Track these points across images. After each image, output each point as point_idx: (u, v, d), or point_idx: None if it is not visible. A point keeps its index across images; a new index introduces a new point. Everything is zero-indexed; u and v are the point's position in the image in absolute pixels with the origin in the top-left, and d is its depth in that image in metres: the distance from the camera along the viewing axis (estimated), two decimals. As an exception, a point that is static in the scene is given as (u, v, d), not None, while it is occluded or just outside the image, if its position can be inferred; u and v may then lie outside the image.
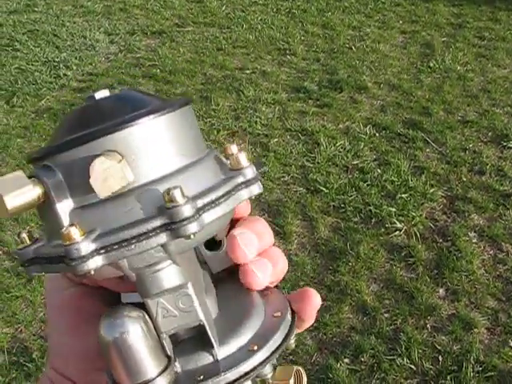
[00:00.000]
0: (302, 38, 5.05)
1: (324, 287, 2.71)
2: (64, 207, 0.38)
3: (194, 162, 0.40)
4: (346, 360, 2.41)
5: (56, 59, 5.02)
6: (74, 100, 4.39)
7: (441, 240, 2.94)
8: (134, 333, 0.38)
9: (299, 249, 2.94)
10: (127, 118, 0.38)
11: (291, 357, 2.43)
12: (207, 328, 0.41)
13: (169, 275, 0.39)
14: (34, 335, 2.61)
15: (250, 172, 0.42)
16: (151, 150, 0.38)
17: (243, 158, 0.42)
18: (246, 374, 0.40)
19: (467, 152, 3.53)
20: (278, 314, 0.45)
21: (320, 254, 2.90)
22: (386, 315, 2.58)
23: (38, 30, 5.60)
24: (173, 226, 0.36)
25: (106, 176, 0.36)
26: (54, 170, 0.38)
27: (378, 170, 3.41)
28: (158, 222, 0.36)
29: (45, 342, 2.55)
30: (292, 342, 0.46)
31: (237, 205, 0.41)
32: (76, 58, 5.03)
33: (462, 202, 3.15)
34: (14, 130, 4.08)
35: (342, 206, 3.16)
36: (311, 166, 3.49)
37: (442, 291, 2.69)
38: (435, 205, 3.16)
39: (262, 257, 0.46)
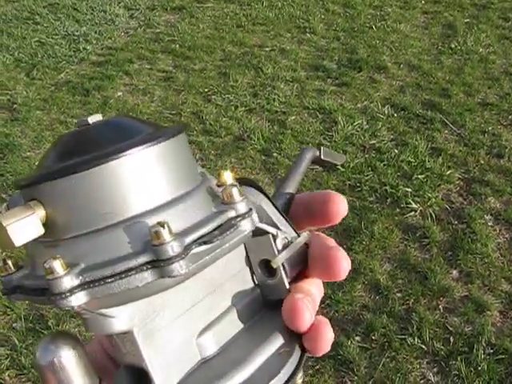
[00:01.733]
0: (323, 16, 5.01)
1: (337, 265, 2.71)
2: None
3: (184, 194, 0.39)
4: (357, 338, 2.42)
5: (76, 33, 5.02)
6: (93, 74, 4.40)
7: (456, 222, 2.93)
8: (66, 357, 0.38)
9: (314, 227, 2.94)
10: (115, 149, 0.37)
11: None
12: (151, 376, 0.40)
13: (109, 321, 0.38)
14: (49, 304, 2.65)
15: (242, 207, 0.40)
16: (140, 181, 0.37)
17: (236, 192, 0.40)
18: None
19: (486, 135, 3.50)
20: (285, 349, 0.44)
21: (334, 232, 2.90)
22: (398, 295, 2.59)
23: (58, 4, 5.60)
24: (160, 263, 0.35)
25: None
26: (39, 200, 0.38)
27: (395, 151, 3.40)
28: (143, 259, 0.35)
29: (60, 310, 2.58)
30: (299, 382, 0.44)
31: (228, 242, 0.39)
32: (95, 32, 5.03)
33: (478, 185, 3.13)
34: (34, 102, 4.11)
35: (358, 185, 3.15)
36: (328, 144, 3.48)
37: (455, 273, 2.68)
38: (452, 187, 3.15)
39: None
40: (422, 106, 3.77)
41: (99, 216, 0.37)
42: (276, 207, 0.47)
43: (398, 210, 2.99)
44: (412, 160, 3.28)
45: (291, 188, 0.52)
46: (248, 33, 4.84)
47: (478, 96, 3.86)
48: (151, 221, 0.36)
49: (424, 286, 2.61)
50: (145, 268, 0.35)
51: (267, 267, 0.46)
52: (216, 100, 3.97)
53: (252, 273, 0.47)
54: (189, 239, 0.36)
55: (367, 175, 3.21)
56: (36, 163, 3.51)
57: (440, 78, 4.06)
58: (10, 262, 0.40)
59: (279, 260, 0.45)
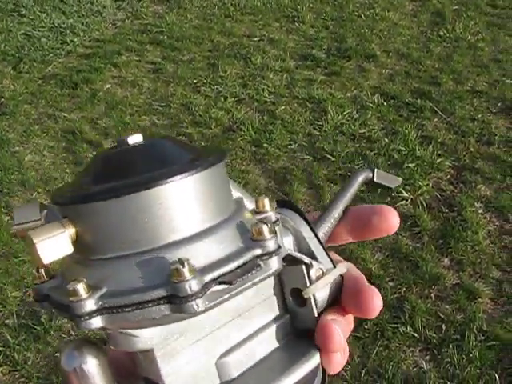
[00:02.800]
0: (311, 5, 4.99)
1: (329, 255, 2.72)
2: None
3: (212, 227, 0.39)
4: (350, 327, 2.43)
5: (62, 25, 4.98)
6: (81, 66, 4.37)
7: (447, 210, 2.94)
8: (90, 365, 0.39)
9: (305, 217, 2.94)
10: (152, 177, 0.37)
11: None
12: None
13: (131, 339, 0.39)
14: (41, 299, 2.64)
15: (271, 244, 0.38)
16: (172, 212, 0.37)
17: (265, 229, 0.38)
18: None
19: (476, 122, 3.50)
20: (305, 383, 0.44)
21: (326, 222, 2.90)
22: (390, 284, 2.60)
23: (44, -5, 5.55)
24: (176, 300, 0.35)
25: (30, 249, 0.37)
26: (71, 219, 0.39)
27: (386, 139, 3.40)
28: (161, 293, 0.35)
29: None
30: None
31: (251, 281, 0.39)
32: (83, 24, 5.00)
33: (469, 173, 3.14)
34: (21, 96, 4.08)
35: (349, 174, 3.16)
36: (318, 134, 3.48)
37: (446, 261, 2.69)
38: (442, 175, 3.15)
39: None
40: (411, 95, 3.77)
41: (127, 242, 0.37)
42: (315, 234, 0.46)
43: (388, 198, 3.00)
44: (402, 148, 3.29)
45: (337, 212, 0.51)
46: (236, 23, 4.82)
47: (467, 83, 3.86)
48: (174, 255, 0.36)
49: (415, 274, 2.62)
50: (162, 302, 0.35)
51: (298, 296, 0.46)
52: (205, 91, 3.95)
53: (283, 299, 0.47)
54: (208, 278, 0.36)
55: (358, 164, 3.21)
56: (25, 158, 3.49)
57: (429, 65, 4.06)
58: (42, 271, 0.41)
59: (310, 291, 0.45)
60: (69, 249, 0.37)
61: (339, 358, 0.46)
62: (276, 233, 0.39)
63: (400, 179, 0.57)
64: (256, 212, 0.42)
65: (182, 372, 0.41)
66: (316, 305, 0.45)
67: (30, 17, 5.16)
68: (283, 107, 3.73)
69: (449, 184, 3.10)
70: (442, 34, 4.42)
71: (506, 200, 2.95)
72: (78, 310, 0.35)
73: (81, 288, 0.35)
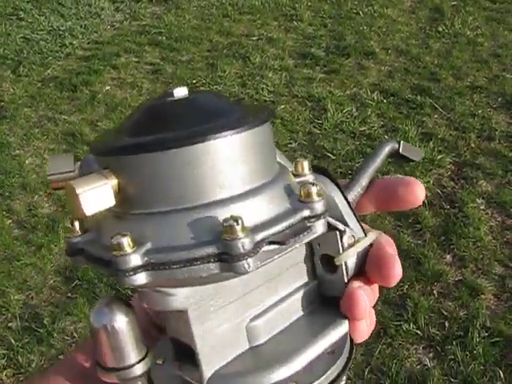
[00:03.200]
0: (309, 3, 4.98)
1: (331, 254, 2.72)
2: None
3: (261, 186, 0.38)
4: (353, 325, 2.43)
5: (61, 28, 4.98)
6: (81, 69, 4.37)
7: (448, 206, 2.94)
8: (120, 323, 0.40)
9: (306, 216, 2.94)
10: (202, 131, 0.36)
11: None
12: (198, 357, 0.40)
13: (168, 298, 0.39)
14: (44, 302, 2.64)
15: (319, 207, 0.38)
16: (221, 168, 0.36)
17: (314, 191, 0.38)
18: None
19: (476, 118, 3.50)
20: (333, 351, 0.44)
21: (327, 221, 2.90)
22: (392, 281, 2.59)
23: (42, -2, 5.55)
24: (227, 258, 0.34)
25: (71, 199, 0.35)
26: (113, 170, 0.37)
27: (386, 137, 3.39)
28: (212, 250, 0.34)
29: (55, 309, 2.58)
30: None
31: (299, 243, 0.38)
32: (81, 27, 4.99)
33: (470, 169, 3.14)
34: (21, 99, 4.08)
35: (349, 172, 3.15)
36: (318, 132, 3.47)
37: (448, 257, 2.69)
38: (443, 171, 3.15)
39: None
40: (411, 91, 3.77)
41: (173, 198, 0.36)
42: (347, 200, 0.46)
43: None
44: (403, 146, 3.28)
45: (364, 180, 0.51)
46: (234, 22, 4.82)
47: (466, 79, 3.85)
48: (224, 212, 0.35)
49: (418, 271, 2.62)
50: (212, 260, 0.34)
51: (329, 263, 0.46)
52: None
53: (311, 265, 0.46)
54: (260, 237, 0.35)
55: (358, 162, 3.20)
56: (26, 161, 3.49)
57: (428, 62, 4.05)
58: (76, 224, 0.40)
59: (343, 258, 0.45)
60: (111, 201, 0.36)
61: (365, 326, 0.46)
62: (323, 195, 0.39)
63: (422, 153, 0.57)
64: (294, 175, 0.42)
65: (212, 334, 0.41)
66: (346, 272, 0.45)
67: (29, 20, 5.16)
68: (283, 106, 3.72)
69: (450, 180, 3.10)
70: (440, 29, 4.41)
71: (508, 195, 2.95)
72: (123, 264, 0.34)
73: (125, 242, 0.34)
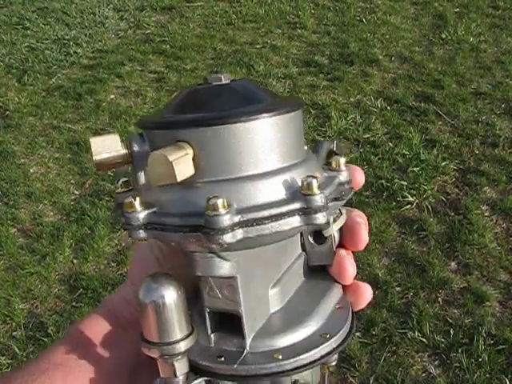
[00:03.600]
0: (312, 11, 4.99)
1: (335, 261, 2.71)
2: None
3: (307, 158, 0.44)
4: (358, 333, 2.42)
5: (66, 37, 5.01)
6: (85, 78, 4.38)
7: (453, 213, 2.93)
8: (168, 299, 0.41)
9: (310, 223, 2.94)
10: (273, 107, 0.41)
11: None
12: (244, 321, 0.43)
13: (221, 264, 0.42)
14: (49, 310, 2.64)
15: (346, 175, 0.47)
16: (285, 141, 0.42)
17: (343, 161, 0.47)
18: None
19: (480, 124, 3.50)
20: (341, 306, 0.50)
21: (331, 228, 2.89)
22: (397, 289, 2.59)
23: (47, 8, 5.58)
24: (309, 211, 0.39)
25: (159, 168, 0.38)
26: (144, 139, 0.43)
27: (390, 144, 3.39)
28: (295, 206, 0.39)
29: (60, 317, 2.59)
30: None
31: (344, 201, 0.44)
32: (86, 35, 5.02)
33: (474, 175, 3.13)
34: (26, 108, 4.10)
35: (354, 180, 3.14)
36: (322, 139, 3.47)
37: (453, 264, 2.68)
38: (447, 178, 3.14)
39: None
40: (414, 98, 3.77)
41: (248, 163, 0.40)
42: None
43: (394, 203, 2.99)
44: (407, 153, 3.28)
45: None
46: (238, 30, 4.83)
47: (470, 86, 3.85)
48: (299, 173, 0.41)
49: (423, 278, 2.61)
50: (296, 213, 0.39)
51: (318, 236, 0.51)
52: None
53: (301, 238, 0.52)
54: (327, 193, 0.41)
55: (363, 169, 3.20)
56: (31, 170, 3.50)
57: (432, 69, 4.05)
58: (137, 201, 0.41)
59: (331, 230, 0.50)
60: (192, 169, 0.39)
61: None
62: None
63: (347, 149, 0.62)
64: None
65: (253, 301, 0.45)
66: (334, 242, 0.51)
67: (34, 29, 5.19)
68: (287, 114, 3.72)
69: (454, 187, 3.09)
70: (444, 36, 4.41)
71: (512, 202, 2.94)
72: (219, 223, 0.37)
73: (220, 203, 0.37)
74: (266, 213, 0.38)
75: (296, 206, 0.39)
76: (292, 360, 0.43)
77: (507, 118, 3.52)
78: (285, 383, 0.45)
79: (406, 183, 3.08)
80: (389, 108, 3.70)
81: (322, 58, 4.29)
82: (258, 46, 4.55)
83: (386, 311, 2.48)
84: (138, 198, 0.41)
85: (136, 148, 0.43)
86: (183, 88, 0.47)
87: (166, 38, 4.79)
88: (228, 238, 0.37)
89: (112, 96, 4.17)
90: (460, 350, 2.31)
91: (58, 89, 4.30)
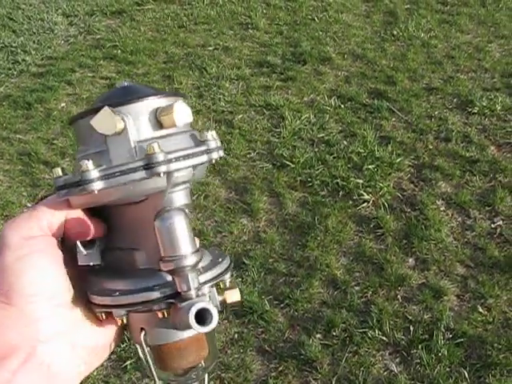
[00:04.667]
0: (264, 11, 4.97)
1: (293, 263, 2.70)
2: None
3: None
4: (318, 335, 2.41)
5: (13, 44, 4.88)
6: (35, 86, 4.28)
7: (409, 209, 2.94)
8: (180, 219, 0.49)
9: (267, 225, 2.92)
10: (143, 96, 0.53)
11: (263, 335, 2.42)
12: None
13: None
14: None
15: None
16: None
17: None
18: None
19: (433, 119, 3.53)
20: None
21: (288, 229, 2.88)
22: (356, 288, 2.58)
23: (-8, 15, 5.44)
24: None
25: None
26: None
27: (344, 142, 3.39)
28: (139, 163, 0.49)
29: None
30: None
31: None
32: (34, 42, 4.90)
33: (428, 170, 3.15)
34: (-27, 119, 3.98)
35: (309, 180, 3.14)
36: (277, 140, 3.45)
37: (411, 261, 2.69)
38: (402, 174, 3.16)
39: None
40: (368, 95, 3.78)
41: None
42: None
43: (350, 202, 2.99)
44: (361, 150, 3.28)
45: None
46: (190, 33, 4.78)
47: (422, 81, 3.88)
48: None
49: (381, 276, 2.61)
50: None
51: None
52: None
53: None
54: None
55: (318, 169, 3.19)
56: (-21, 183, 3.40)
57: (384, 65, 4.08)
58: (90, 163, 0.50)
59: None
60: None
61: None
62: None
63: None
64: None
65: None
66: None
67: (-20, 37, 5.05)
68: (240, 116, 3.70)
69: (410, 183, 3.11)
70: (395, 33, 4.44)
71: (466, 195, 2.97)
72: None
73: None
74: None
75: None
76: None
77: (459, 113, 3.56)
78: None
79: (361, 181, 3.08)
80: (343, 106, 3.70)
81: (274, 58, 4.27)
82: (210, 48, 4.51)
83: (345, 311, 2.48)
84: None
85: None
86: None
87: (117, 43, 4.71)
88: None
89: (63, 104, 4.08)
90: (420, 346, 2.32)
91: (7, 98, 4.18)
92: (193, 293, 0.49)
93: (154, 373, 0.53)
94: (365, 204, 2.97)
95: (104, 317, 0.52)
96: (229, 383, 2.28)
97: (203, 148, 0.53)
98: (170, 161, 0.50)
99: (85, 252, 0.55)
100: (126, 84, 0.56)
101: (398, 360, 2.32)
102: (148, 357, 0.53)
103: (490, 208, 2.92)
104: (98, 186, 0.49)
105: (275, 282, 2.63)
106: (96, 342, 0.53)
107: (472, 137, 3.34)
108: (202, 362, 0.56)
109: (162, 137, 0.52)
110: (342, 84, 3.92)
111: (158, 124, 0.52)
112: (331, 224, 2.85)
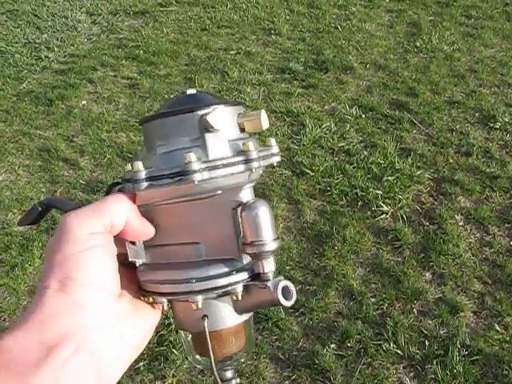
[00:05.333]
0: (287, 17, 4.98)
1: (310, 272, 2.69)
2: None
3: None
4: (333, 345, 2.40)
5: (37, 40, 4.92)
6: (56, 83, 4.30)
7: (427, 223, 2.93)
8: (266, 210, 0.54)
9: (285, 233, 2.91)
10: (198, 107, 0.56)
11: (277, 342, 2.42)
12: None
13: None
14: (16, 324, 2.57)
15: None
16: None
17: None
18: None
19: (454, 133, 3.51)
20: None
21: (306, 237, 2.87)
22: (372, 300, 2.57)
23: (17, 10, 5.48)
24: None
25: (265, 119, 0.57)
26: None
27: (365, 152, 3.38)
28: (239, 158, 0.54)
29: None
30: None
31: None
32: (57, 39, 4.94)
33: (448, 184, 3.13)
34: (-5, 113, 4.01)
35: (328, 188, 3.13)
36: (297, 148, 3.45)
37: (428, 275, 2.68)
38: (422, 187, 3.14)
39: None
40: (389, 106, 3.77)
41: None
42: None
43: (369, 213, 2.98)
44: (381, 161, 3.27)
45: None
46: (213, 36, 4.79)
47: (444, 94, 3.87)
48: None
49: (398, 289, 2.60)
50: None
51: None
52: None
53: None
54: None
55: (337, 178, 3.18)
56: (0, 177, 3.42)
57: (406, 76, 4.06)
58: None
59: None
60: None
61: None
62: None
63: None
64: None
65: None
66: None
67: (4, 32, 5.09)
68: (261, 121, 3.69)
69: (429, 196, 3.09)
70: (418, 44, 4.43)
71: (486, 211, 2.95)
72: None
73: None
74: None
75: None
76: None
77: (480, 127, 3.54)
78: None
79: (380, 192, 3.07)
80: (363, 116, 3.69)
81: (296, 65, 4.27)
82: (232, 53, 4.52)
83: (361, 322, 2.46)
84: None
85: None
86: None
87: (140, 43, 4.73)
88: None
89: (84, 102, 4.10)
90: (435, 362, 2.30)
91: (29, 94, 4.21)
92: (271, 275, 0.54)
93: (212, 359, 0.56)
94: (383, 215, 2.96)
95: (166, 306, 0.56)
96: (241, 389, 2.28)
97: (273, 151, 0.58)
98: (260, 158, 0.55)
99: (134, 249, 0.57)
100: (194, 91, 0.60)
101: (412, 374, 2.30)
102: (208, 341, 0.55)
103: (509, 225, 2.90)
104: (198, 177, 0.51)
105: (291, 289, 2.62)
106: (142, 329, 0.55)
107: (493, 152, 3.32)
108: (240, 351, 0.60)
109: (245, 138, 0.56)
110: (364, 94, 3.92)
111: (240, 128, 0.56)
112: (349, 234, 2.84)
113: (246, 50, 4.52)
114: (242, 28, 4.87)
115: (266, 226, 0.54)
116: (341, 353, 2.37)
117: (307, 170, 3.25)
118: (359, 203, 3.04)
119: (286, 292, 0.54)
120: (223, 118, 0.54)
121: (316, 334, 2.45)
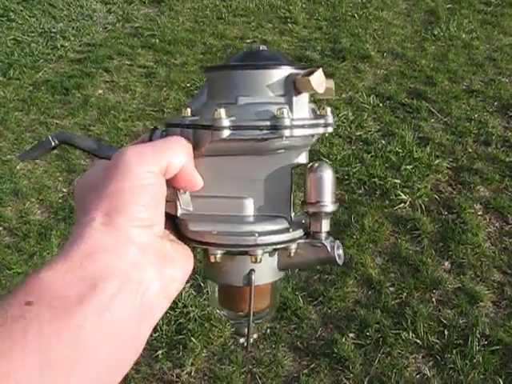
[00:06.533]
0: (304, 5, 4.95)
1: (328, 261, 2.68)
2: None
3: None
4: (352, 334, 2.39)
5: (53, 30, 4.92)
6: (73, 72, 4.31)
7: (446, 212, 2.91)
8: (329, 173, 0.56)
9: (303, 222, 2.90)
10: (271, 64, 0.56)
11: (296, 331, 2.42)
12: None
13: None
14: (36, 311, 2.59)
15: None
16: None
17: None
18: None
19: (472, 122, 3.48)
20: None
21: (324, 227, 2.86)
22: (391, 289, 2.56)
23: (32, 0, 5.48)
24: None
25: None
26: None
27: (382, 141, 3.36)
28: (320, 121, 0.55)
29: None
30: None
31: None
32: (73, 29, 4.94)
33: (467, 174, 3.11)
34: (12, 102, 4.02)
35: (346, 177, 3.12)
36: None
37: (447, 264, 2.66)
38: (440, 176, 3.12)
39: None
40: (407, 95, 3.74)
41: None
42: None
43: (387, 202, 2.96)
44: (400, 150, 3.25)
45: None
46: (229, 25, 4.77)
47: (462, 83, 3.83)
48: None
49: (416, 278, 2.59)
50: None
51: None
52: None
53: None
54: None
55: (355, 167, 3.17)
56: (17, 166, 3.43)
57: (424, 65, 4.03)
58: (223, 111, 0.52)
59: None
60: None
61: None
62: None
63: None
64: None
65: None
66: None
67: (19, 22, 5.09)
68: (278, 110, 3.68)
69: (447, 186, 3.07)
70: (436, 32, 4.39)
71: (505, 201, 2.92)
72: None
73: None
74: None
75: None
76: None
77: (500, 116, 3.51)
78: None
79: (399, 181, 3.05)
80: (381, 105, 3.66)
81: (313, 54, 4.24)
82: (248, 41, 4.50)
83: (379, 312, 2.45)
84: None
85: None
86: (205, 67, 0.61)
87: (155, 32, 4.72)
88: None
89: (100, 91, 4.10)
90: (454, 351, 2.29)
91: (45, 83, 4.22)
92: (324, 235, 0.56)
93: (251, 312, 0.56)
94: (402, 204, 2.94)
95: (218, 258, 0.55)
96: (260, 378, 2.28)
97: (327, 121, 0.57)
98: (328, 125, 0.56)
99: (185, 198, 0.57)
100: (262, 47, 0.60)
101: (431, 364, 2.29)
102: (252, 296, 0.56)
103: (529, 215, 2.88)
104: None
105: (309, 278, 2.62)
106: (181, 272, 0.53)
107: (512, 141, 3.29)
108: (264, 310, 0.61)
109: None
110: (381, 82, 3.89)
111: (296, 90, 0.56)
112: (367, 223, 2.83)
113: (262, 39, 4.50)
114: (258, 16, 4.84)
115: (330, 188, 0.56)
116: (360, 342, 2.36)
117: (325, 159, 3.23)
118: (377, 192, 3.02)
119: (338, 252, 0.56)
120: (322, 81, 0.53)
121: (335, 323, 2.44)
